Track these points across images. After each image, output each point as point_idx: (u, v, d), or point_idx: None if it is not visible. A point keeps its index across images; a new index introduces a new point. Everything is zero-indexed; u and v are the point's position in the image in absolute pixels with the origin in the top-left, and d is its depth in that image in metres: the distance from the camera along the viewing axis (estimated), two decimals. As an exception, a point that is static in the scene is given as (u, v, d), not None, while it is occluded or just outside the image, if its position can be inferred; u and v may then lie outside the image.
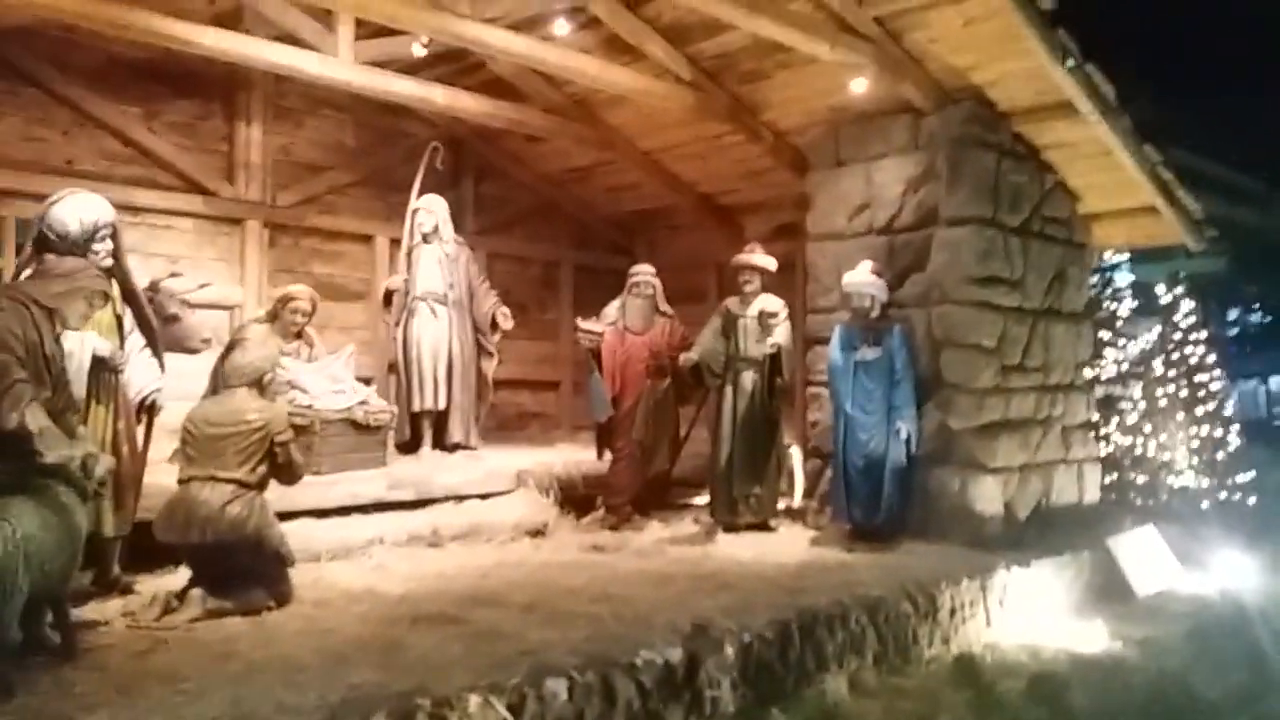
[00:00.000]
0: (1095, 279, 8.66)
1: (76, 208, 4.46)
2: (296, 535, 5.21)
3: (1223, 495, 8.01)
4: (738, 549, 6.04)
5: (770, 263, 6.89)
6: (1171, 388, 8.33)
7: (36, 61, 7.08)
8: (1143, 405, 8.29)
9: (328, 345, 7.16)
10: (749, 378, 6.72)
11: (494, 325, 7.48)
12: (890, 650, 4.80)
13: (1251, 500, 8.05)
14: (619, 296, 7.20)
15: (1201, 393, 8.33)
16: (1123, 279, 9.50)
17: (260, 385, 4.78)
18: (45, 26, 6.77)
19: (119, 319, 4.70)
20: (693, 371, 6.72)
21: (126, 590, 4.61)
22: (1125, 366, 8.49)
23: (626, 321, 7.05)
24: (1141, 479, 8.04)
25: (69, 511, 3.55)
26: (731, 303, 6.95)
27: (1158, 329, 8.64)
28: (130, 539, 4.71)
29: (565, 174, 9.76)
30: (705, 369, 6.73)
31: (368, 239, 8.70)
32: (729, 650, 4.13)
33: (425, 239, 7.42)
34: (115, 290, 4.65)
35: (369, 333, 8.43)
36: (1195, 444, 8.18)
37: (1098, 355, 8.05)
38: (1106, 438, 8.06)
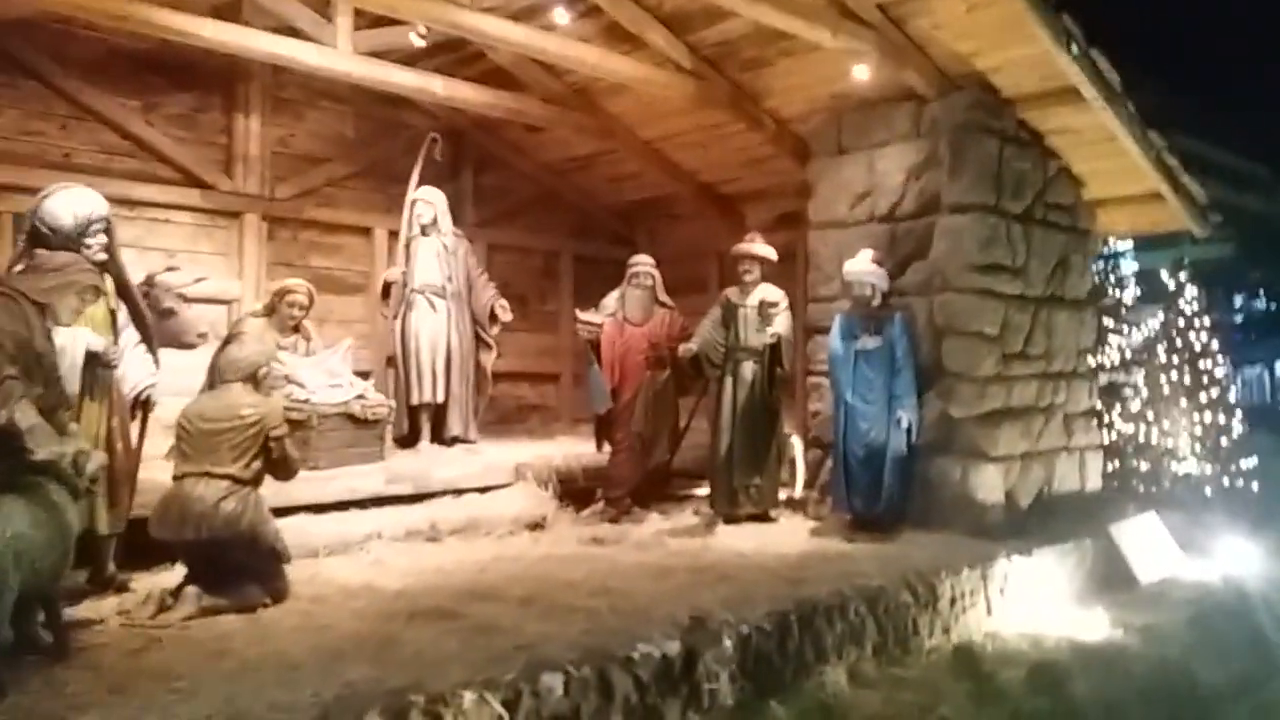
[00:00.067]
0: (1099, 266, 8.60)
1: (69, 201, 4.43)
2: (294, 531, 5.20)
3: (1226, 482, 7.96)
4: (738, 540, 6.01)
5: (770, 252, 6.85)
6: (1175, 374, 8.27)
7: (35, 54, 7.05)
8: (1146, 392, 8.23)
9: (327, 339, 7.14)
10: (749, 368, 6.68)
11: (493, 318, 7.44)
12: (890, 641, 4.77)
13: (1255, 487, 8.00)
14: (618, 287, 7.16)
15: (1205, 379, 8.27)
16: (1128, 266, 9.44)
17: (255, 380, 4.74)
18: (43, 19, 6.74)
19: (113, 314, 4.66)
20: (692, 362, 6.68)
21: (122, 588, 4.58)
22: (1129, 353, 8.43)
23: (626, 312, 7.01)
24: (1144, 466, 8.00)
25: (60, 509, 3.53)
26: (731, 292, 6.90)
27: (1161, 315, 8.58)
28: (126, 536, 4.69)
29: (566, 164, 9.71)
30: (705, 359, 6.68)
31: (367, 231, 8.66)
32: (727, 643, 4.11)
33: (423, 231, 7.39)
34: (109, 285, 4.63)
35: (368, 326, 8.40)
36: (1199, 430, 8.13)
37: (1101, 342, 7.99)
38: (1109, 425, 8.01)
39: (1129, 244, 9.79)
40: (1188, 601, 5.88)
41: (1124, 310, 8.73)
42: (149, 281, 5.21)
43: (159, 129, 7.64)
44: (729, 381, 6.72)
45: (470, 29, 6.21)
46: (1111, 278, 8.90)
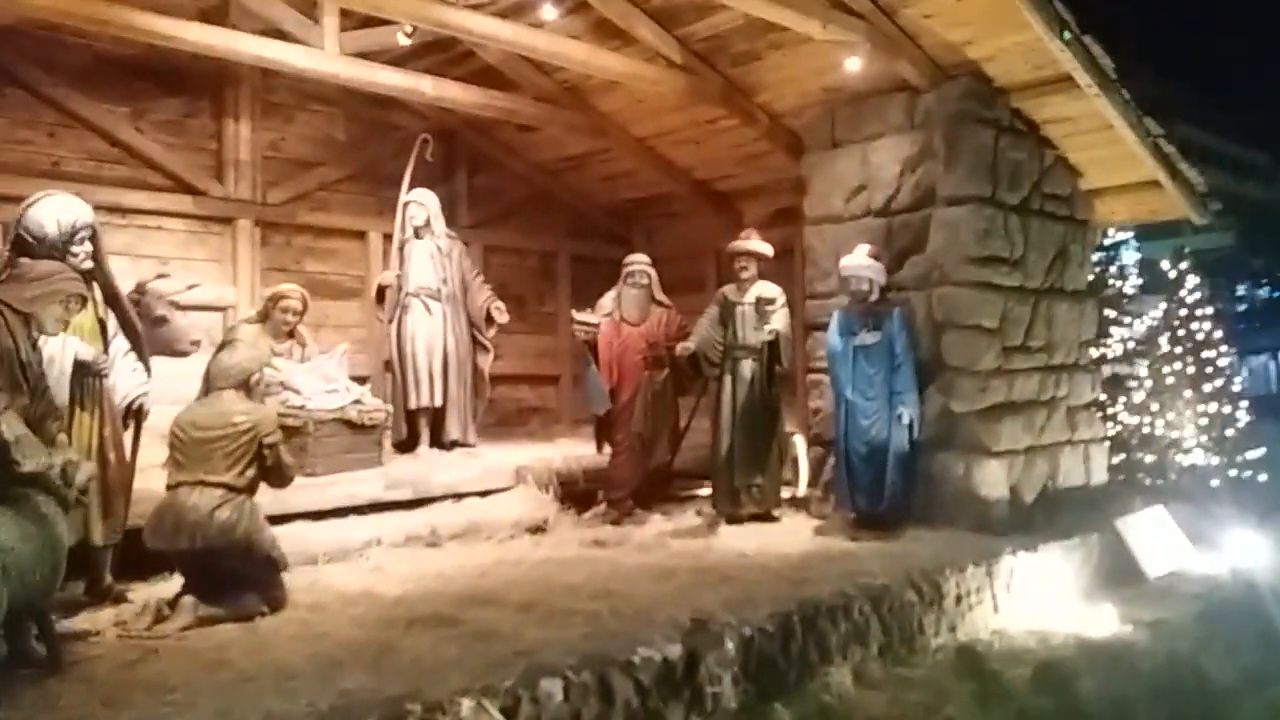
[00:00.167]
0: (1100, 256, 8.55)
1: (54, 209, 4.38)
2: (292, 538, 5.17)
3: (1233, 473, 7.91)
4: (740, 540, 5.96)
5: (766, 248, 6.80)
6: (1179, 365, 8.21)
7: (21, 62, 6.98)
8: (1150, 383, 8.18)
9: (323, 344, 7.09)
10: (748, 366, 6.63)
11: (489, 320, 7.37)
12: (895, 640, 4.72)
13: (1262, 477, 7.95)
14: (614, 287, 7.10)
15: (1209, 369, 8.22)
16: (1129, 256, 9.38)
17: (248, 387, 4.70)
18: (29, 26, 6.67)
19: (102, 323, 4.62)
20: (691, 361, 6.63)
21: (119, 599, 4.54)
22: (1131, 345, 8.38)
23: (622, 312, 6.96)
24: (1150, 458, 7.95)
25: (49, 521, 3.47)
26: (729, 290, 6.85)
27: (1163, 306, 8.53)
28: (122, 546, 4.64)
29: (559, 163, 9.64)
30: (703, 358, 6.64)
31: (361, 235, 8.59)
32: (729, 645, 4.06)
33: (417, 233, 7.33)
34: (97, 293, 4.58)
35: (365, 330, 8.33)
36: (1204, 421, 8.07)
37: (1103, 334, 7.94)
38: (1113, 417, 7.95)
39: (1129, 234, 9.72)
40: (1196, 595, 5.82)
41: (1125, 301, 8.67)
42: (140, 289, 5.16)
43: (148, 135, 7.57)
44: (728, 380, 6.67)
45: (457, 27, 6.17)
46: (1112, 268, 8.84)
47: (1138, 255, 9.49)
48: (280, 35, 6.61)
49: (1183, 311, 8.43)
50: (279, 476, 4.62)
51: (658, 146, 8.82)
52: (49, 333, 3.96)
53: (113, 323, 4.70)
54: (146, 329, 4.94)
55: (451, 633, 4.06)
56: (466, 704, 3.29)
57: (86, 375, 4.41)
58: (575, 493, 6.79)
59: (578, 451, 7.27)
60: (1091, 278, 7.58)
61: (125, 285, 4.98)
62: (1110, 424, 7.83)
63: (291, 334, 6.66)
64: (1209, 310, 8.43)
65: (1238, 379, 8.54)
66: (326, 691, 3.34)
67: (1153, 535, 6.54)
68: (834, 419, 6.45)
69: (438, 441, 7.12)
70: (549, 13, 6.55)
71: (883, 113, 6.79)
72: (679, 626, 4.08)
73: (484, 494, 6.44)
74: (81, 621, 4.23)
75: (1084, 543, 6.15)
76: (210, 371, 4.86)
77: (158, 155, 7.58)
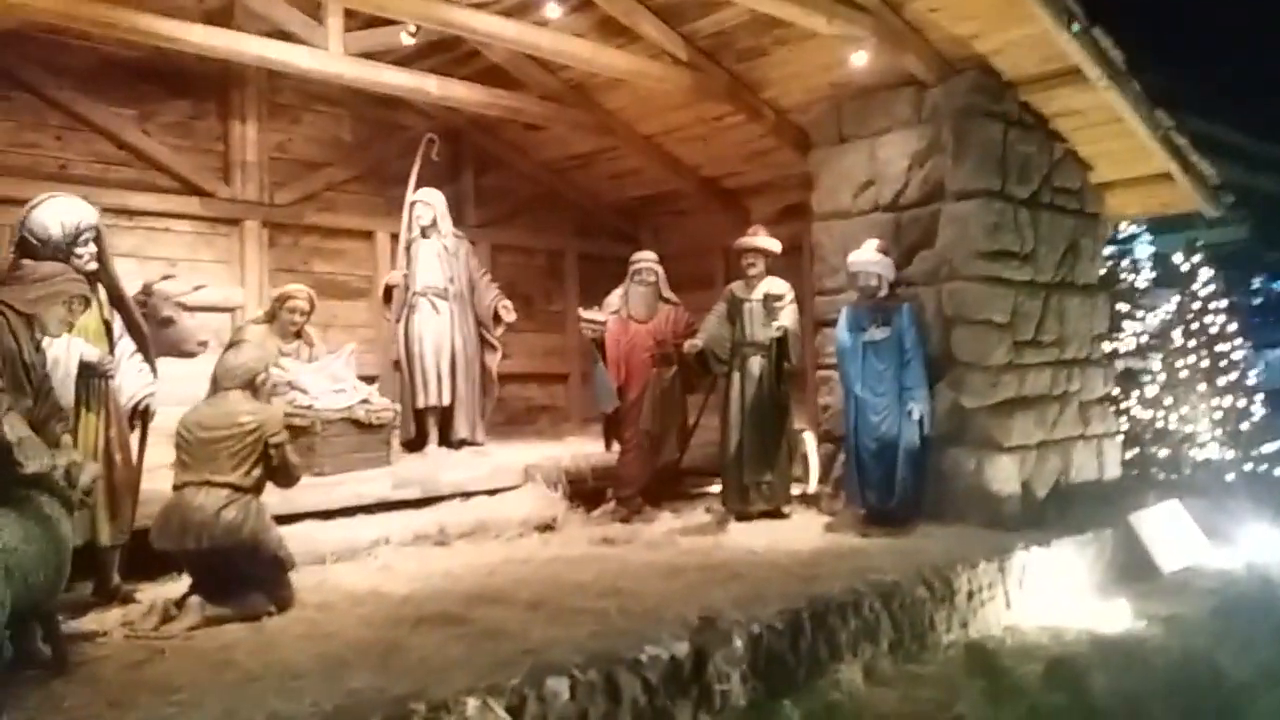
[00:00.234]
0: (1112, 250, 8.48)
1: (57, 211, 4.37)
2: (300, 538, 5.17)
3: (1248, 467, 7.83)
4: (750, 538, 5.93)
5: (774, 245, 6.76)
6: (1192, 358, 8.14)
7: (27, 66, 7.00)
8: (1163, 377, 8.10)
9: (331, 344, 7.09)
10: (756, 363, 6.59)
11: (496, 318, 7.37)
12: (906, 637, 4.68)
13: (1278, 471, 7.86)
14: (622, 285, 7.07)
15: (1224, 363, 8.14)
16: (1142, 250, 9.30)
17: (253, 387, 4.68)
18: (35, 30, 6.69)
19: (107, 324, 4.61)
20: (699, 359, 6.60)
21: (127, 600, 4.52)
22: (1144, 339, 8.30)
23: (630, 310, 6.92)
24: (1164, 453, 7.87)
25: (53, 523, 3.46)
26: (736, 287, 6.82)
27: (1177, 299, 8.45)
28: (130, 547, 4.63)
29: (566, 162, 9.62)
30: (711, 355, 6.60)
31: (368, 235, 8.58)
32: (738, 642, 4.02)
33: (424, 233, 7.32)
34: (102, 295, 4.58)
35: (373, 331, 8.32)
36: (1218, 415, 7.99)
37: (1116, 328, 7.87)
38: (1126, 412, 7.89)
39: (1142, 228, 9.64)
40: (1211, 591, 5.75)
41: (1138, 295, 8.60)
42: (146, 290, 5.17)
43: (155, 138, 7.59)
44: (736, 377, 6.64)
45: (461, 26, 6.15)
46: (1124, 262, 8.77)
47: (1151, 249, 9.42)
48: (285, 36, 6.62)
49: (1196, 305, 8.35)
50: (285, 476, 4.60)
51: (664, 144, 8.80)
52: (52, 334, 3.96)
53: (118, 324, 4.69)
54: (153, 330, 4.94)
55: (459, 631, 4.04)
56: (472, 703, 3.27)
57: (92, 376, 4.41)
58: (584, 491, 6.76)
59: (586, 450, 7.25)
60: (1103, 272, 7.51)
61: (132, 287, 5.00)
62: (1123, 418, 7.75)
63: (299, 334, 6.67)
64: (1223, 303, 8.34)
65: (1253, 372, 8.46)
66: (332, 691, 3.32)
67: (1167, 530, 6.47)
68: (844, 415, 6.42)
69: (446, 440, 7.12)
70: (553, 11, 6.53)
71: (890, 107, 6.74)
72: (687, 624, 4.05)
73: (492, 493, 6.42)
74: (89, 622, 4.22)
75: (1097, 538, 6.09)
76: (216, 372, 4.86)
77: (165, 157, 7.60)
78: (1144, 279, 8.62)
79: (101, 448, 4.44)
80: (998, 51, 6.23)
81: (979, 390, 6.20)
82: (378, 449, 6.34)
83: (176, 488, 4.42)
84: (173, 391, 5.02)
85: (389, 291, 7.31)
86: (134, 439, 4.73)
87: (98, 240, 4.51)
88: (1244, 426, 8.00)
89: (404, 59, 7.29)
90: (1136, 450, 7.78)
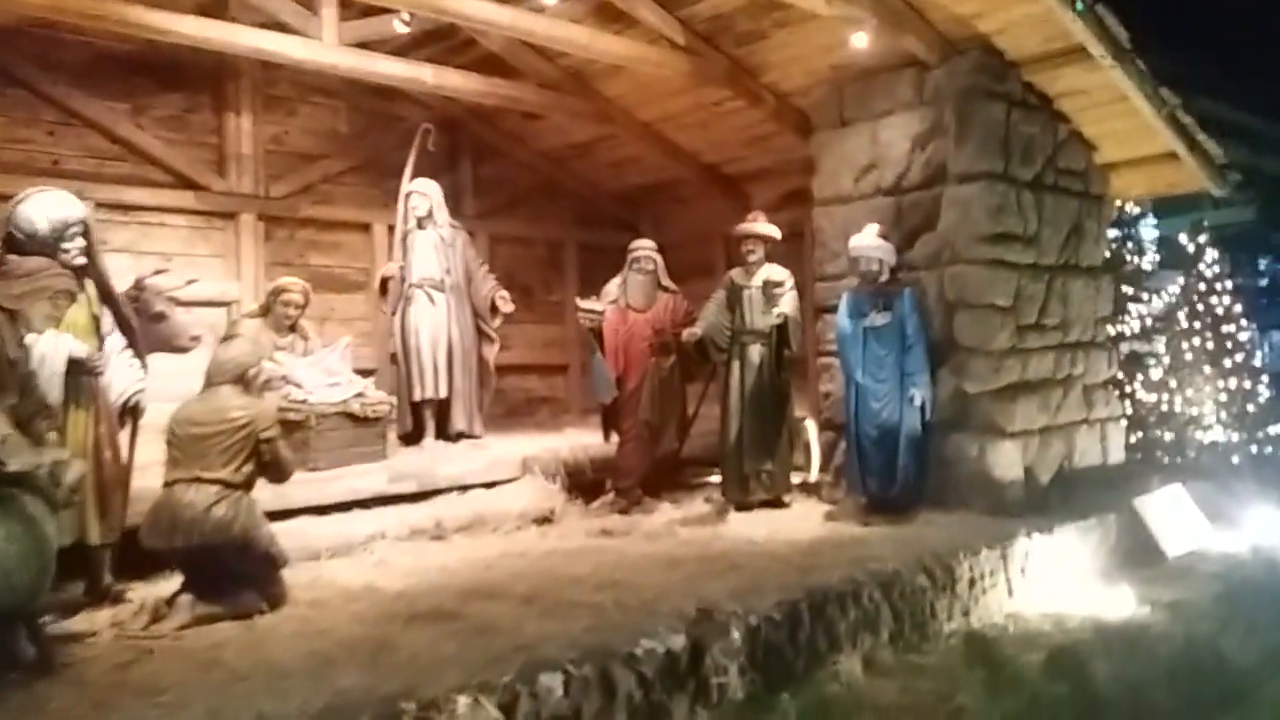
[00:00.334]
0: (1117, 232, 8.37)
1: (44, 206, 4.32)
2: (295, 534, 5.14)
3: (1254, 449, 7.74)
4: (750, 528, 5.87)
5: (773, 230, 6.68)
6: (1197, 341, 8.04)
7: (20, 61, 6.95)
8: (1168, 360, 8.01)
9: (328, 337, 7.04)
10: (756, 350, 6.53)
11: (494, 309, 7.29)
12: (907, 626, 4.62)
13: (1285, 454, 7.78)
14: (620, 273, 7.00)
15: (1229, 344, 8.04)
16: (1147, 232, 9.19)
17: (245, 381, 4.62)
18: (26, 25, 6.63)
19: (96, 319, 4.55)
20: (698, 347, 6.54)
21: (118, 599, 4.48)
22: (1149, 321, 8.21)
23: (628, 299, 6.85)
24: (1168, 436, 7.79)
25: (36, 522, 3.42)
26: (736, 274, 6.75)
27: (1182, 281, 8.35)
28: (122, 546, 4.58)
29: (565, 150, 9.54)
30: (710, 344, 6.54)
31: (365, 227, 8.52)
32: (735, 634, 3.97)
33: (420, 224, 7.23)
34: (91, 290, 4.53)
35: (370, 324, 8.27)
36: (1224, 397, 7.90)
37: (1120, 311, 7.78)
38: (1131, 395, 7.80)
39: (1147, 210, 9.53)
40: (1216, 575, 5.68)
41: (1143, 277, 8.50)
42: (138, 285, 5.11)
43: (149, 131, 7.53)
44: (736, 365, 6.57)
45: (455, 13, 6.08)
46: (1130, 244, 8.67)
47: (1156, 231, 9.31)
48: (279, 27, 6.56)
49: (1201, 286, 8.25)
50: (277, 472, 4.56)
51: (664, 130, 8.71)
52: (37, 330, 3.91)
53: (108, 319, 4.64)
54: (145, 325, 4.89)
55: (451, 628, 3.99)
56: (463, 701, 3.22)
57: (81, 373, 4.34)
58: (583, 482, 6.69)
59: (585, 441, 7.19)
60: (1108, 254, 7.41)
61: (127, 283, 4.96)
62: (1127, 402, 7.67)
63: (294, 327, 6.62)
64: (1228, 285, 8.24)
65: (1258, 354, 8.36)
66: (321, 690, 3.27)
67: (1171, 514, 6.40)
68: (844, 402, 6.35)
69: (443, 433, 7.05)
70: (549, -4, 6.45)
71: (892, 89, 6.65)
72: (684, 617, 4.00)
73: (490, 485, 6.37)
74: (79, 622, 4.18)
75: (1101, 523, 6.02)
76: (208, 367, 4.81)
77: (159, 151, 7.55)
78: (1149, 261, 8.51)
79: (90, 445, 4.37)
80: (1000, 31, 6.13)
81: (981, 375, 6.12)
82: (373, 443, 6.28)
83: (167, 485, 4.37)
84: (166, 388, 4.96)
85: (385, 283, 7.23)
86: (124, 436, 4.69)
87: (86, 235, 4.46)
88: (1249, 409, 7.90)
89: (400, 48, 7.22)
90: (1141, 434, 7.69)
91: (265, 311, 6.60)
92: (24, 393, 3.71)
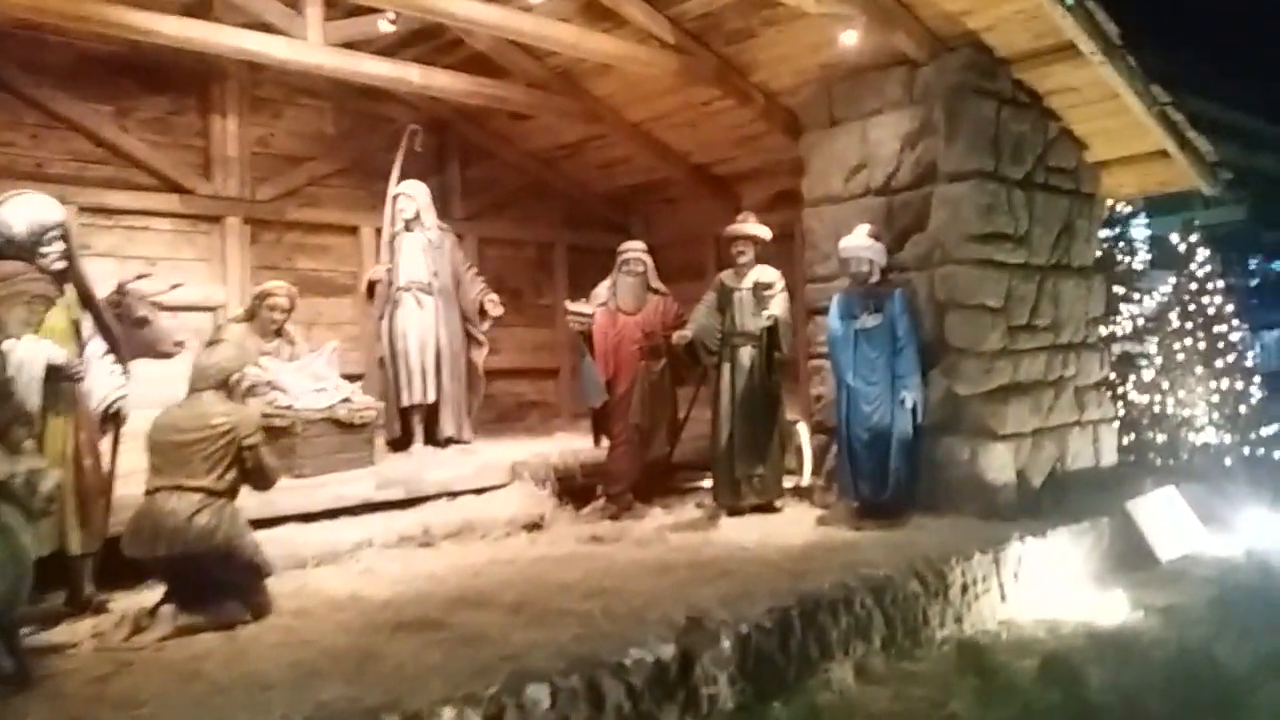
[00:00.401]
0: (1109, 232, 8.34)
1: (21, 209, 4.26)
2: (281, 542, 5.08)
3: (1246, 451, 7.71)
4: (741, 533, 5.81)
5: (763, 231, 6.63)
6: (1189, 341, 8.01)
7: (1, 63, 6.86)
8: (1160, 361, 7.98)
9: (316, 342, 6.97)
10: (747, 353, 6.47)
11: (482, 313, 7.23)
12: (899, 633, 4.57)
13: (1277, 455, 7.74)
14: (610, 275, 6.94)
15: (1221, 344, 8.01)
16: (1139, 232, 9.17)
17: (228, 387, 4.56)
18: (9, 25, 6.53)
19: (76, 324, 4.48)
20: (688, 350, 6.48)
21: (100, 609, 4.40)
22: (1141, 322, 8.18)
23: (618, 301, 6.79)
24: (1161, 438, 7.75)
25: (11, 533, 3.35)
26: (726, 275, 6.70)
27: (1173, 281, 8.32)
28: (104, 555, 4.51)
29: (554, 151, 9.49)
30: (701, 346, 6.48)
31: (353, 230, 8.44)
32: (726, 643, 3.92)
33: (407, 226, 7.17)
34: (71, 295, 4.46)
35: (358, 328, 8.19)
36: (1216, 398, 7.87)
37: (1112, 311, 7.74)
38: (1123, 397, 7.76)
39: (1139, 209, 9.51)
40: (1209, 579, 5.64)
41: (1135, 277, 8.47)
42: (120, 290, 5.03)
43: (134, 134, 7.45)
44: (727, 368, 6.51)
45: (441, 11, 6.03)
46: (1121, 243, 8.64)
47: (1148, 231, 9.28)
48: (264, 28, 6.49)
49: (1193, 286, 8.22)
50: (261, 479, 4.48)
51: (653, 130, 8.67)
52: (13, 335, 3.84)
53: (88, 324, 4.57)
54: (128, 331, 4.82)
55: (438, 637, 3.93)
56: (448, 713, 3.17)
57: (60, 379, 4.28)
58: (573, 488, 6.63)
59: (575, 446, 7.13)
60: (1099, 254, 7.38)
61: (110, 288, 4.90)
62: (1120, 403, 7.63)
63: (279, 332, 6.55)
64: (1220, 285, 8.21)
65: (1250, 354, 8.34)
66: (303, 703, 3.21)
67: (1164, 517, 6.36)
68: (835, 405, 6.30)
69: (432, 439, 6.99)
70: (537, -5, 6.40)
71: (881, 88, 6.61)
72: (674, 625, 3.94)
73: (479, 491, 6.29)
74: (60, 633, 4.11)
75: (1094, 526, 5.98)
76: (191, 372, 4.74)
77: (143, 154, 7.47)
78: (1140, 261, 8.48)
79: (70, 453, 4.30)
80: (990, 28, 6.09)
81: (973, 377, 6.08)
82: (360, 449, 6.21)
83: (149, 492, 4.30)
84: (149, 394, 4.90)
85: (372, 287, 7.17)
86: (106, 443, 4.62)
87: (65, 239, 4.40)
88: (1242, 409, 7.87)
89: (387, 49, 7.17)
90: (1133, 436, 7.66)
91: (250, 316, 6.53)
92: (1, 399, 3.63)
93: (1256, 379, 8.06)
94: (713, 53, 7.22)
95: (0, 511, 3.35)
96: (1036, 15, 5.77)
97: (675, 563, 5.10)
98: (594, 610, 4.24)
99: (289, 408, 5.93)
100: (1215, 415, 7.84)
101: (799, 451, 7.11)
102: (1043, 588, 5.35)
